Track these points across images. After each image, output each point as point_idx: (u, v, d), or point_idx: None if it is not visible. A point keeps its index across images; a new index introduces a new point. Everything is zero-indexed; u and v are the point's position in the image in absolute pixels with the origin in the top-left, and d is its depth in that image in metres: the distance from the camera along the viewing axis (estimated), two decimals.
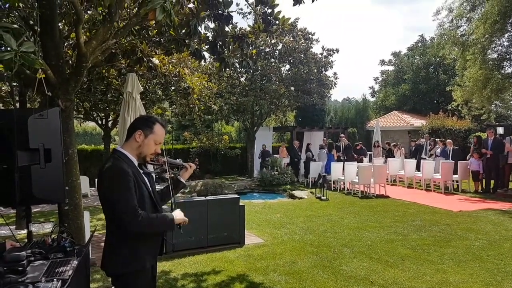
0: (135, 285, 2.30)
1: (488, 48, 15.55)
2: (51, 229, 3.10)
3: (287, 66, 16.53)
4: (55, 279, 2.16)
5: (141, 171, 2.40)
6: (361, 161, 14.82)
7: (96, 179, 2.46)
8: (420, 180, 13.05)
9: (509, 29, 14.99)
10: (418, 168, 13.63)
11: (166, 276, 4.91)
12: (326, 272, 5.03)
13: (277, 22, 4.78)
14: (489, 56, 16.08)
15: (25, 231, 4.12)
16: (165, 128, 2.47)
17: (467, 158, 12.40)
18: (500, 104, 20.67)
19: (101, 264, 2.35)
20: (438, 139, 14.35)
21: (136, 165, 2.38)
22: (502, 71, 16.23)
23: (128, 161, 2.32)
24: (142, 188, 2.30)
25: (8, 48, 2.43)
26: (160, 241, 2.49)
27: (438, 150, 13.56)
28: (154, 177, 2.60)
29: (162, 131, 2.44)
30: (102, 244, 2.38)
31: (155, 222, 2.27)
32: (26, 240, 3.11)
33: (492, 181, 11.65)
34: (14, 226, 7.46)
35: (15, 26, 2.51)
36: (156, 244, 2.45)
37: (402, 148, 16.42)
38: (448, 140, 13.74)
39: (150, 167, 2.69)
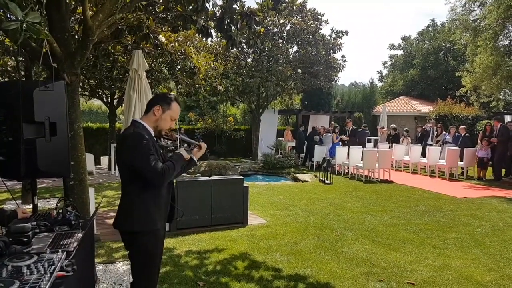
0: (150, 242, 2.55)
1: (500, 34, 15.24)
2: (56, 204, 3.12)
3: (295, 48, 16.25)
4: (60, 251, 2.16)
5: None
6: (363, 145, 14.67)
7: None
8: (424, 166, 13.00)
9: None
10: (423, 154, 13.54)
11: (170, 252, 4.96)
12: (328, 253, 5.06)
13: (287, 0, 4.67)
14: (501, 43, 15.79)
15: (30, 206, 4.17)
16: (180, 106, 2.76)
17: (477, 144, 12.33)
18: (510, 92, 20.38)
19: (115, 223, 2.57)
20: (451, 126, 14.16)
21: (153, 135, 2.62)
22: None
23: (146, 130, 2.56)
24: (158, 155, 2.54)
25: (14, 18, 2.39)
26: (169, 207, 2.77)
27: (448, 137, 13.43)
28: (167, 150, 2.83)
29: (178, 108, 2.71)
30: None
31: (175, 167, 2.53)
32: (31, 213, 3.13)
33: (490, 168, 11.62)
34: (19, 201, 7.54)
35: None
36: (166, 209, 2.72)
37: (409, 138, 16.20)
38: (462, 126, 13.58)
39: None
